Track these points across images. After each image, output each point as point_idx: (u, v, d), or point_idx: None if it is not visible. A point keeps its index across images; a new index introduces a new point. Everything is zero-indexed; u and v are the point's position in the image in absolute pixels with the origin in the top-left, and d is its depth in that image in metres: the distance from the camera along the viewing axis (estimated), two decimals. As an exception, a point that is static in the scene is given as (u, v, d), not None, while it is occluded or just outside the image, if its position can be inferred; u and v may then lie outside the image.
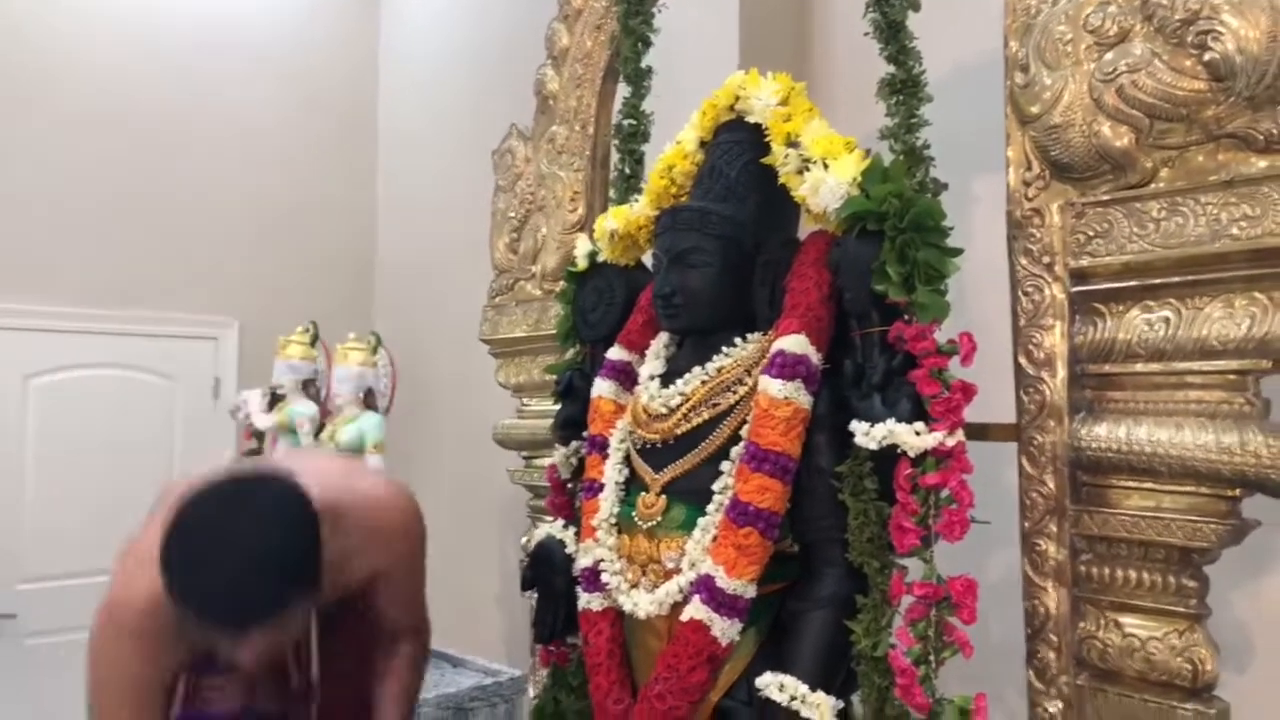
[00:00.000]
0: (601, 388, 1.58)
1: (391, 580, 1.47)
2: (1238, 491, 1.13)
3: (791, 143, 1.41)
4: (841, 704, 1.26)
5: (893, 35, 1.42)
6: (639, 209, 1.66)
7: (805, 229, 1.51)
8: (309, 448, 3.14)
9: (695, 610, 1.28)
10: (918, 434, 1.20)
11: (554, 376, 1.80)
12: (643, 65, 1.88)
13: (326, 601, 1.31)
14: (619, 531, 1.46)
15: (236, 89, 4.08)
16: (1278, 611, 1.77)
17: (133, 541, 1.29)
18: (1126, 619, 1.21)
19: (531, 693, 2.31)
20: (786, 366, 1.30)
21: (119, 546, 1.31)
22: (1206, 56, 1.14)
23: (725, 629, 1.28)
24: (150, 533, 1.20)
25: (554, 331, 1.95)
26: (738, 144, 1.50)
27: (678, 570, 1.34)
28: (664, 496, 1.39)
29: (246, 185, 4.10)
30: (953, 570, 1.21)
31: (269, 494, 1.17)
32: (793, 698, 1.23)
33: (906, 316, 1.26)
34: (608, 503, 1.47)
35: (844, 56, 2.50)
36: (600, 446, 1.53)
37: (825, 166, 1.35)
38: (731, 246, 1.43)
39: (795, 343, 1.31)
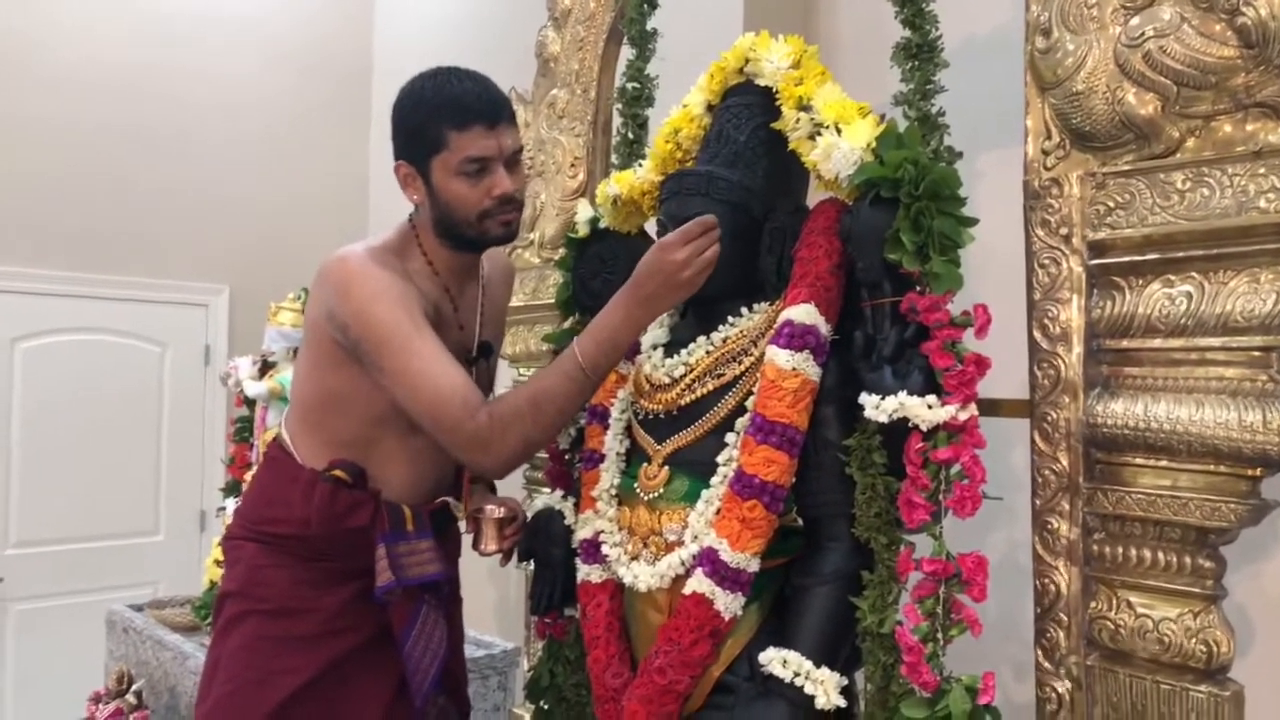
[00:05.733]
0: (603, 357, 1.54)
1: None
2: (1259, 471, 1.10)
3: (803, 107, 1.37)
4: (846, 681, 1.23)
5: (910, -2, 1.38)
6: (643, 174, 1.61)
7: (814, 197, 1.47)
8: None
9: (698, 583, 1.26)
10: (930, 407, 1.17)
11: (552, 346, 1.76)
12: (648, 28, 1.83)
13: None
14: (619, 503, 1.43)
15: (229, 54, 4.01)
16: (1278, 594, 1.75)
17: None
18: (1139, 599, 1.18)
19: (526, 666, 2.29)
20: (795, 336, 1.27)
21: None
22: (1238, 22, 1.10)
23: (728, 603, 1.25)
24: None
25: (552, 300, 1.91)
26: (747, 108, 1.46)
27: (680, 543, 1.31)
28: (666, 468, 1.36)
29: (238, 151, 4.04)
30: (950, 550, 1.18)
31: None
32: (796, 673, 1.21)
33: (919, 287, 1.22)
34: (608, 474, 1.44)
35: (849, 24, 2.45)
36: (601, 417, 1.50)
37: (838, 131, 1.30)
38: (739, 213, 1.39)
39: (804, 312, 1.28)
